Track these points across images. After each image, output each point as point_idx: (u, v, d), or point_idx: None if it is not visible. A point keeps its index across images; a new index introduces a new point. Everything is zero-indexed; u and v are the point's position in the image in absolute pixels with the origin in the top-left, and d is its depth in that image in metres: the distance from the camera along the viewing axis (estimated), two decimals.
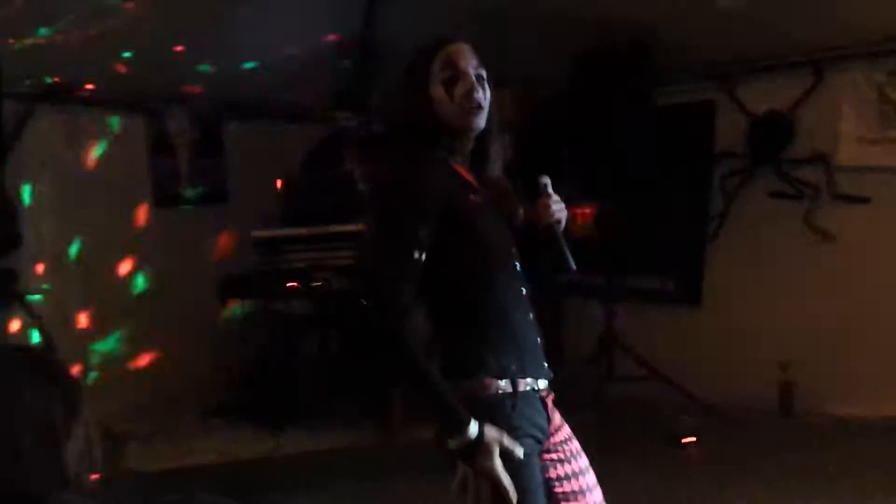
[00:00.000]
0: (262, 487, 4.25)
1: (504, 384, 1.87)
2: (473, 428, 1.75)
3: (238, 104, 6.07)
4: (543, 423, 1.94)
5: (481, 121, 1.97)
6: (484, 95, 1.96)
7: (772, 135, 5.59)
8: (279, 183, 5.51)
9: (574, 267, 1.97)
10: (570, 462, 2.01)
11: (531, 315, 1.98)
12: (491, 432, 1.77)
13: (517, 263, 2.00)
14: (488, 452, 1.76)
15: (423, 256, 1.83)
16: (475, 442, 1.75)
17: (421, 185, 1.88)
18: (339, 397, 5.29)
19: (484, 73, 1.99)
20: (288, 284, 5.12)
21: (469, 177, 2.02)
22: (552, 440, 1.99)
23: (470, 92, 1.95)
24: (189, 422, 5.27)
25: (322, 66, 5.64)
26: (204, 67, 5.46)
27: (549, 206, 2.01)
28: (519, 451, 1.80)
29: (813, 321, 5.27)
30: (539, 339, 1.98)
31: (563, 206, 2.03)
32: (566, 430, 2.05)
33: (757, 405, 5.13)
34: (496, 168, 2.07)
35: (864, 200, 5.26)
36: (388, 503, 4.16)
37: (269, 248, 5.21)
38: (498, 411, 1.84)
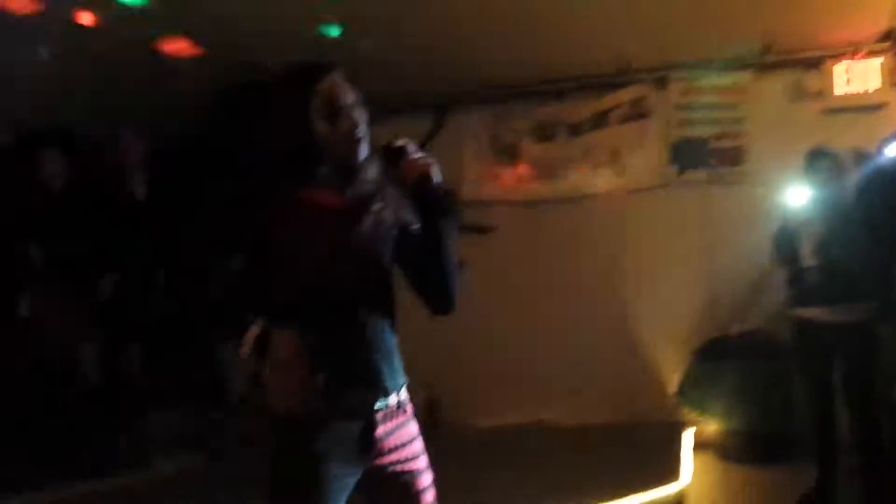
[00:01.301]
0: None
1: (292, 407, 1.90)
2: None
3: None
4: (348, 445, 1.92)
5: (364, 150, 1.98)
6: (363, 124, 1.98)
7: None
8: None
9: (459, 207, 1.97)
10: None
11: (366, 330, 1.96)
12: None
13: (353, 279, 1.95)
14: None
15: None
16: None
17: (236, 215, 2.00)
18: None
19: (358, 99, 1.99)
20: None
21: (312, 199, 1.95)
22: (380, 460, 1.98)
23: (353, 128, 1.96)
24: None
25: None
26: None
27: (412, 164, 1.98)
28: None
29: (450, 343, 5.69)
30: (368, 359, 1.95)
31: (427, 158, 2.00)
32: (403, 453, 2.02)
33: None
34: (366, 187, 2.00)
35: (487, 230, 5.81)
36: None
37: None
38: (286, 434, 1.92)
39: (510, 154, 5.96)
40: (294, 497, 1.88)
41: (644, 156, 5.62)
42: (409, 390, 2.05)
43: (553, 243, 5.75)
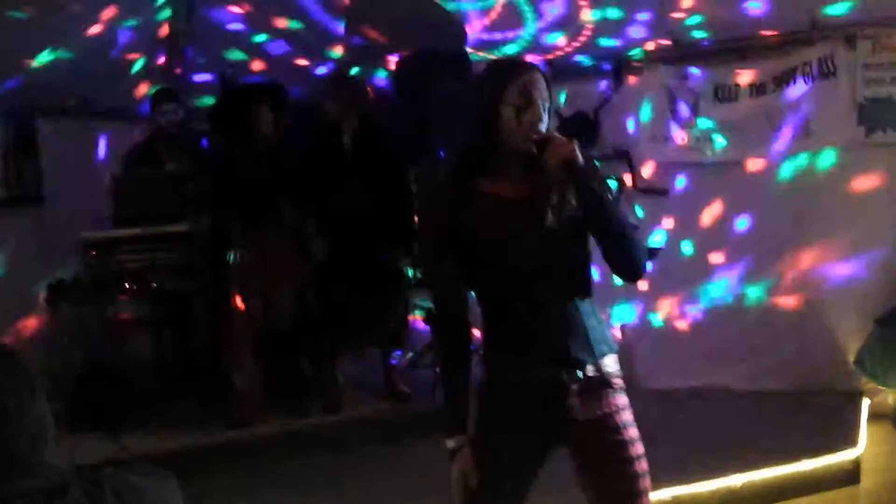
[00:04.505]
0: None
1: (484, 375, 2.16)
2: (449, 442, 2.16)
3: (52, 102, 5.86)
4: (534, 413, 2.13)
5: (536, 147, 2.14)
6: (545, 125, 2.14)
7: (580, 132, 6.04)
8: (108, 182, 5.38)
9: (613, 183, 2.13)
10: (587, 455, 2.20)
11: (552, 310, 2.13)
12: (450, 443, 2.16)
13: (537, 264, 2.12)
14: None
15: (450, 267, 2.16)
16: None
17: (429, 217, 2.28)
18: (178, 398, 5.25)
19: (549, 105, 2.15)
20: (126, 286, 5.02)
21: (496, 190, 2.16)
22: (581, 430, 2.16)
23: (536, 123, 2.12)
24: None
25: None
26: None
27: (554, 151, 2.09)
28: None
29: None
30: (557, 335, 2.13)
31: (566, 142, 2.10)
32: (603, 422, 2.18)
33: None
34: (546, 179, 2.14)
35: (662, 192, 5.83)
36: (242, 498, 4.23)
37: (100, 249, 5.08)
38: (477, 399, 2.16)
39: (689, 115, 5.90)
40: (489, 458, 2.13)
41: (830, 116, 5.46)
42: None
43: (734, 205, 5.69)
